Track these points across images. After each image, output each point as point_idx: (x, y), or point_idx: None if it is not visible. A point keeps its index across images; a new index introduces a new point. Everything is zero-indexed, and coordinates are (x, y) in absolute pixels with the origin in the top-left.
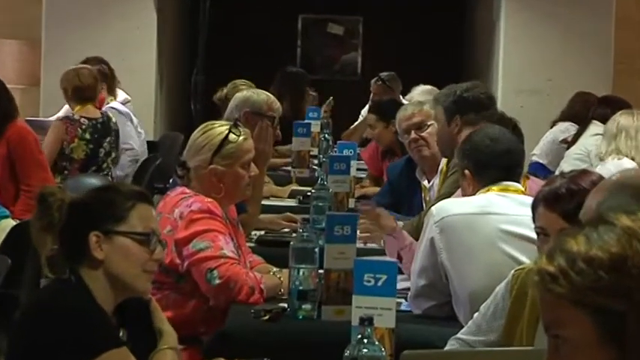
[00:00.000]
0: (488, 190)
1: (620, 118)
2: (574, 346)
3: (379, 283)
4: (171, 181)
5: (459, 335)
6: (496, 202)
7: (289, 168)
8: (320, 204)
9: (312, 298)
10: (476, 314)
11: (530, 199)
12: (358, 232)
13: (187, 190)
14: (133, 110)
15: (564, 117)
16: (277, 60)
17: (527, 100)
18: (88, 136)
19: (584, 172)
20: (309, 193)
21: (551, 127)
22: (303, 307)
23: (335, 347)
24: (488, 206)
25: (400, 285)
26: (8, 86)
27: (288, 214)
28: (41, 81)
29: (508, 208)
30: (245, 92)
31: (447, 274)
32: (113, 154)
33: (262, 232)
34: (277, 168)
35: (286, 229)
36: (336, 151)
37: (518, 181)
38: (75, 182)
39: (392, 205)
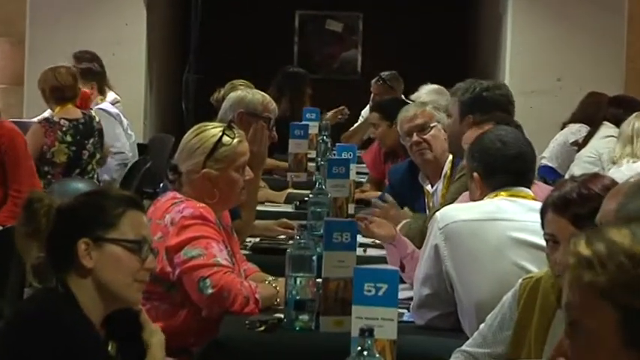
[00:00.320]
0: (496, 196)
1: (636, 121)
2: (593, 339)
3: (380, 293)
4: (161, 185)
5: (464, 347)
6: (504, 208)
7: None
8: (318, 209)
9: (310, 308)
10: (482, 325)
11: (540, 205)
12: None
13: (179, 195)
14: (123, 111)
15: (575, 118)
16: (273, 58)
17: (535, 101)
18: (69, 138)
19: (595, 176)
20: (306, 198)
21: (562, 129)
22: (301, 317)
23: None
24: (496, 212)
25: (402, 294)
26: None
27: (285, 220)
28: (25, 80)
29: (517, 214)
30: (239, 92)
31: (452, 283)
32: (98, 156)
33: (257, 239)
34: (273, 171)
35: (282, 236)
36: (334, 154)
37: (529, 187)
38: (61, 187)
39: None
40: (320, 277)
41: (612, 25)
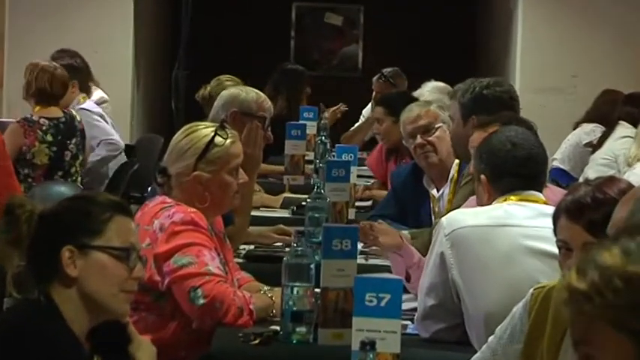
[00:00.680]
0: (505, 200)
1: None
2: None
3: (382, 304)
4: (149, 189)
5: None
6: (514, 213)
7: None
8: (316, 215)
9: (308, 320)
10: (490, 338)
11: (552, 209)
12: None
13: (168, 200)
14: (110, 112)
15: (589, 118)
16: (269, 53)
17: (549, 99)
18: (50, 138)
19: (611, 180)
20: (303, 203)
21: (574, 129)
22: (298, 330)
23: None
24: (506, 217)
25: (406, 305)
26: None
27: (281, 226)
28: (4, 79)
29: (527, 220)
30: (232, 90)
31: (459, 292)
32: (80, 157)
33: (252, 247)
34: (269, 175)
35: (278, 243)
36: (334, 156)
37: (540, 191)
38: (42, 190)
39: (397, 216)
40: (318, 287)
41: (631, 17)
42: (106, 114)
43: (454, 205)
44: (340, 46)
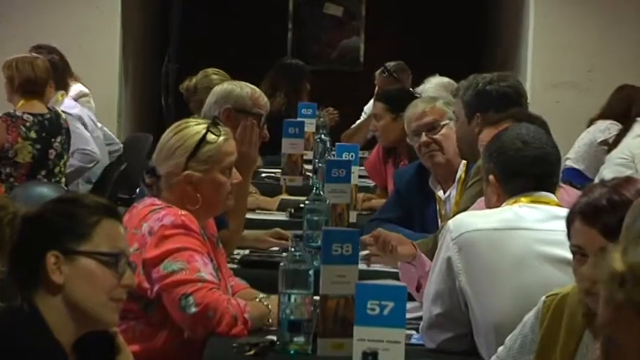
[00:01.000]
0: (515, 202)
1: None
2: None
3: (385, 312)
4: (138, 190)
5: None
6: (525, 216)
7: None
8: (315, 218)
9: (306, 329)
10: (500, 348)
11: (565, 211)
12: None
13: (157, 202)
14: (92, 107)
15: (604, 114)
16: (264, 46)
17: (562, 95)
18: (33, 134)
19: (628, 180)
20: (302, 205)
21: (588, 127)
22: (295, 340)
23: None
24: (516, 220)
25: (411, 314)
26: None
27: (278, 229)
28: None
29: (539, 223)
30: (226, 85)
31: (467, 300)
32: (65, 157)
33: (247, 251)
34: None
35: (275, 248)
36: (334, 155)
37: (552, 192)
38: (25, 191)
39: (401, 220)
40: (317, 294)
41: None
42: (88, 108)
43: (461, 207)
44: (340, 38)
